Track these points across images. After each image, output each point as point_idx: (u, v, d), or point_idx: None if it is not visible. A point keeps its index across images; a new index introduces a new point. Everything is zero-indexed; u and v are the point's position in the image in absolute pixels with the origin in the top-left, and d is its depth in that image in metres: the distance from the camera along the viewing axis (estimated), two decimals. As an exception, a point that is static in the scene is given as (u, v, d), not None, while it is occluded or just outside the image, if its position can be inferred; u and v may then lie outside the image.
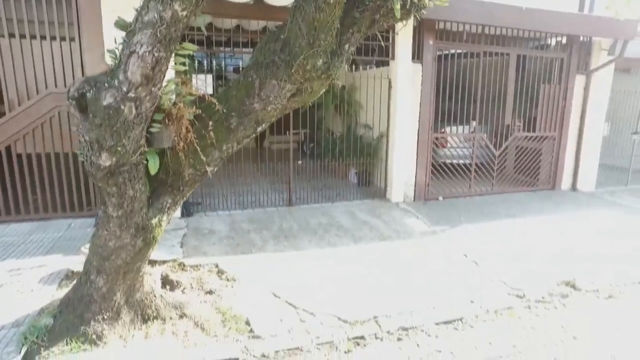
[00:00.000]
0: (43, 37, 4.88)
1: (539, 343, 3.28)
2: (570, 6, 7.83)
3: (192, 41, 5.75)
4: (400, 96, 6.42)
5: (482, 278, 4.33)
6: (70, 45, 4.98)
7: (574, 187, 8.09)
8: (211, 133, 2.18)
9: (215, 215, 6.02)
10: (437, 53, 6.62)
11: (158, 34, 1.76)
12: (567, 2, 7.94)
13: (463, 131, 7.38)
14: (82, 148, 2.07)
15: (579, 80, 7.66)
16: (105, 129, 1.92)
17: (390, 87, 6.52)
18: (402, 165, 6.75)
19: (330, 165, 7.42)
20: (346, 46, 2.20)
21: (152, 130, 2.09)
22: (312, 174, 7.25)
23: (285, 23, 2.13)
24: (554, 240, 5.47)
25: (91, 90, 1.90)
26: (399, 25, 5.95)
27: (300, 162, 7.11)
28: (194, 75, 6.41)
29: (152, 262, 4.29)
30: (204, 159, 2.24)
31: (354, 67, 9.63)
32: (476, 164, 7.41)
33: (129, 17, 1.90)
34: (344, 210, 6.40)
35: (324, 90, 2.30)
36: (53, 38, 4.94)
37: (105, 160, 1.98)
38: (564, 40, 7.51)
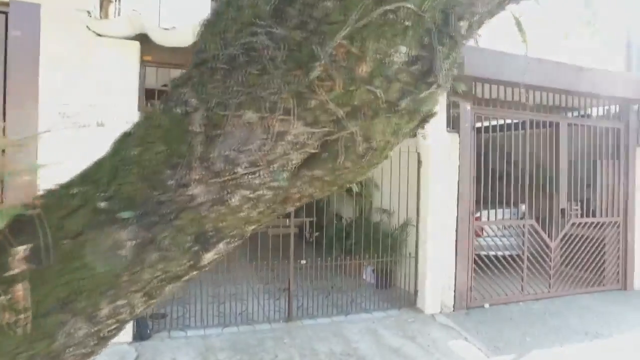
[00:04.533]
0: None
1: None
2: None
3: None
4: (433, 174, 5.00)
5: None
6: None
7: (650, 286, 6.37)
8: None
9: (183, 338, 4.26)
10: (475, 123, 5.33)
11: None
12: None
13: (510, 216, 5.87)
14: None
15: (642, 155, 6.33)
16: None
17: (419, 162, 5.13)
18: (439, 264, 5.12)
19: (340, 259, 5.80)
20: (463, 22, 0.78)
21: None
22: (318, 271, 5.60)
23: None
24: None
25: None
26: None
27: (304, 261, 5.49)
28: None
29: None
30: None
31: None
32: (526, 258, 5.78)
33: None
34: (363, 328, 4.64)
35: (399, 141, 0.81)
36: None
37: None
38: (618, 108, 6.30)
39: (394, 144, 0.80)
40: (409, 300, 5.30)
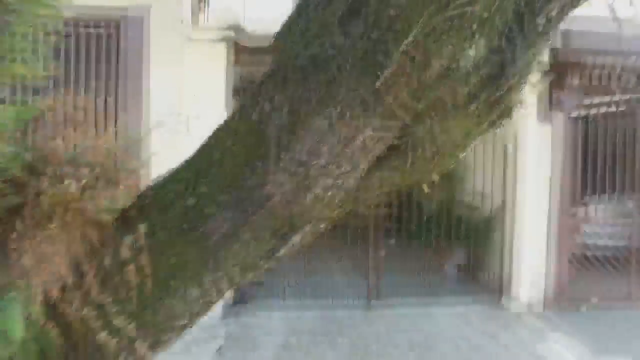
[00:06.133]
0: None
1: None
2: None
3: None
4: (523, 163, 4.68)
5: None
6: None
7: None
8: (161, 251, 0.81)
9: (266, 316, 4.51)
10: (577, 105, 4.82)
11: None
12: None
13: (620, 211, 5.28)
14: None
15: None
16: None
17: (509, 151, 4.81)
18: (529, 258, 4.79)
19: (422, 246, 5.72)
20: (540, 18, 0.74)
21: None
22: (399, 258, 5.57)
23: None
24: None
25: None
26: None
27: (393, 241, 5.53)
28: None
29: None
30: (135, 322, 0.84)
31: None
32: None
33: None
34: (444, 321, 4.54)
35: (470, 143, 0.81)
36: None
37: None
38: None
39: (466, 146, 0.79)
40: (495, 296, 5.04)
